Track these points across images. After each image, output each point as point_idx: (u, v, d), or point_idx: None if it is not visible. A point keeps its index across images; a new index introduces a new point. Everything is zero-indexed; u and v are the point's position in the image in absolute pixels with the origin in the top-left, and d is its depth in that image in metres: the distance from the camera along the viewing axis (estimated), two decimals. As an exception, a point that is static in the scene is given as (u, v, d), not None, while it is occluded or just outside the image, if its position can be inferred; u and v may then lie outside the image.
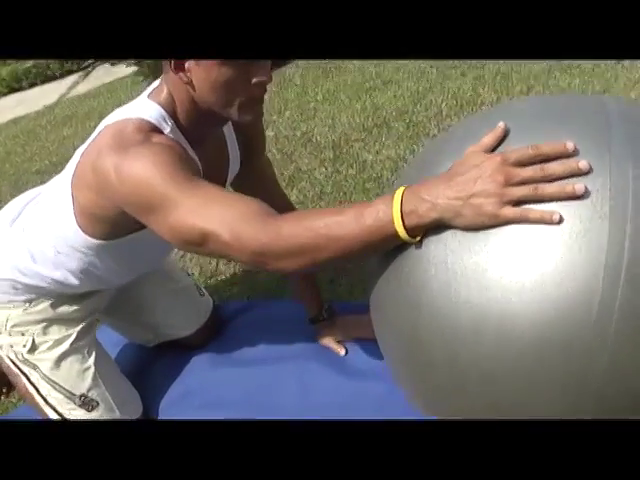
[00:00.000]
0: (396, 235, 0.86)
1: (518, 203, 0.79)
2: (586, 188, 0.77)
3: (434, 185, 0.84)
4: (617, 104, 0.88)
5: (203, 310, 1.76)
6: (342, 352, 1.57)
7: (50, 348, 1.46)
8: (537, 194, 0.78)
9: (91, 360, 1.49)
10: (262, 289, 1.94)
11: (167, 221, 1.10)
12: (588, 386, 0.78)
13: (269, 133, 2.98)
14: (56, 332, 1.47)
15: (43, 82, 6.29)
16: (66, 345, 1.47)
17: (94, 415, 1.47)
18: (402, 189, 0.86)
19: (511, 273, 0.79)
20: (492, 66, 3.03)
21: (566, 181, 0.78)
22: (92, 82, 5.28)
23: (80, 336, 1.50)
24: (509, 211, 0.79)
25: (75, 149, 1.30)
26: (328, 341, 1.60)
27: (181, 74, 1.13)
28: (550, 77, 2.70)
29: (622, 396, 0.78)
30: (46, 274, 1.39)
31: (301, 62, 4.03)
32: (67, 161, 1.31)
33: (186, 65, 1.12)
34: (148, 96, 1.22)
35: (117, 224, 1.24)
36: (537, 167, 0.79)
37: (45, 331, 1.47)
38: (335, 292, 1.79)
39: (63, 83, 6.13)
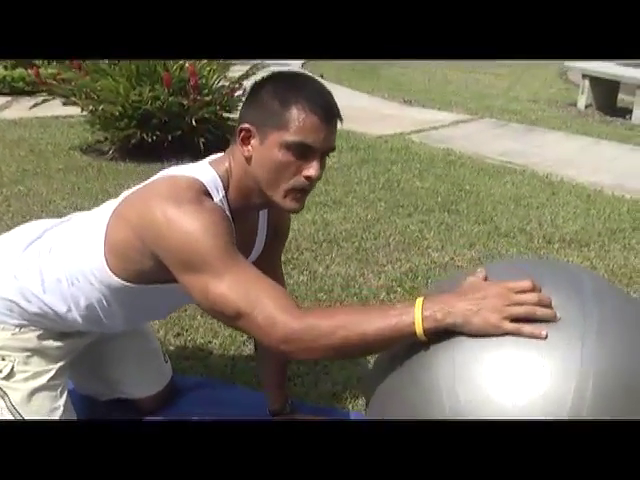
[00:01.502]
0: (414, 334, 1.04)
1: (515, 320, 1.00)
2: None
3: (449, 297, 1.05)
4: (587, 272, 1.21)
5: (164, 376, 1.77)
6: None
7: (27, 379, 1.44)
8: (532, 314, 1.01)
9: (61, 401, 1.47)
10: (215, 369, 1.97)
11: (203, 285, 1.18)
12: None
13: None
14: (37, 364, 1.45)
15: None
16: (43, 380, 1.45)
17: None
18: (422, 298, 1.06)
19: (504, 378, 1.00)
20: (438, 214, 3.33)
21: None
22: (24, 111, 5.15)
23: (58, 374, 1.48)
24: (509, 325, 1.00)
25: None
26: (288, 436, 1.65)
27: (244, 148, 1.26)
28: (490, 240, 3.01)
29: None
30: (50, 304, 1.39)
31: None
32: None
33: (252, 141, 1.25)
34: (209, 162, 1.33)
35: (143, 269, 1.30)
36: (534, 294, 1.02)
37: (27, 361, 1.44)
38: (290, 390, 1.86)
39: (-11, 103, 5.94)
